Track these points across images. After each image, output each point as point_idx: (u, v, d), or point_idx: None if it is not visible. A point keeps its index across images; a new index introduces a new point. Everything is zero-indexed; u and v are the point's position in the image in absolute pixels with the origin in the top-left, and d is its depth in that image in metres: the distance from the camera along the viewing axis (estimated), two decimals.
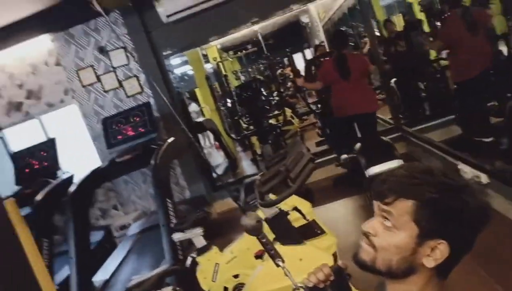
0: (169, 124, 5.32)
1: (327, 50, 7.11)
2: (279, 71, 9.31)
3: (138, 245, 4.47)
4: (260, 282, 2.09)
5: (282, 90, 8.43)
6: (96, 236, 5.35)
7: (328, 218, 3.99)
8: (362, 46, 7.08)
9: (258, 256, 2.25)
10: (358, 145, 3.52)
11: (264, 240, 0.96)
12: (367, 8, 5.32)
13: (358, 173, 3.47)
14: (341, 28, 7.61)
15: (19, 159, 5.23)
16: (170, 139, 4.74)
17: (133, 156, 4.52)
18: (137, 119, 4.81)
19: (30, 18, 5.01)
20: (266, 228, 1.87)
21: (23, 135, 5.75)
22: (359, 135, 4.45)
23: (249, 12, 5.09)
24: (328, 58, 4.97)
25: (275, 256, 0.97)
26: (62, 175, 5.17)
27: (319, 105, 5.90)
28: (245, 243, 2.65)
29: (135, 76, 5.39)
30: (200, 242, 2.73)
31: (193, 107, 9.08)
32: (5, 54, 5.37)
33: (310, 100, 6.88)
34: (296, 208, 2.49)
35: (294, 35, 12.35)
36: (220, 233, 4.27)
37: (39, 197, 4.33)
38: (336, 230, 3.72)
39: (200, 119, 6.60)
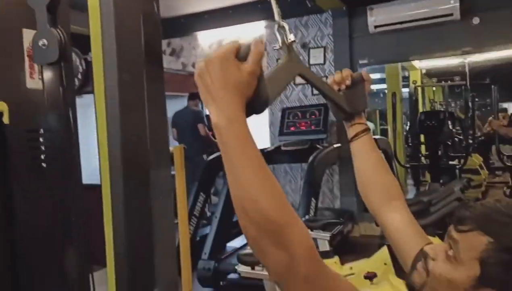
0: (342, 131, 5.32)
1: None
2: (490, 118, 8.19)
3: None
4: None
5: (479, 133, 7.56)
6: None
7: None
8: None
9: (368, 277, 2.12)
10: None
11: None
12: None
13: None
14: None
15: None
16: (336, 145, 4.77)
17: (298, 149, 4.70)
18: (313, 117, 4.97)
19: (252, 4, 5.60)
20: None
21: None
22: None
23: (462, 39, 4.69)
24: None
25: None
26: None
27: None
28: (367, 265, 2.53)
29: (326, 76, 5.53)
30: (324, 246, 2.72)
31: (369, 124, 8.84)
32: (225, 31, 6.13)
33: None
34: None
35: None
36: (352, 252, 4.13)
37: (211, 157, 4.94)
38: None
39: (376, 137, 6.41)
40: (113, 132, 1.27)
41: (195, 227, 4.51)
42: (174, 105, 6.16)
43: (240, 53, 0.68)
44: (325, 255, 2.66)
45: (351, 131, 1.11)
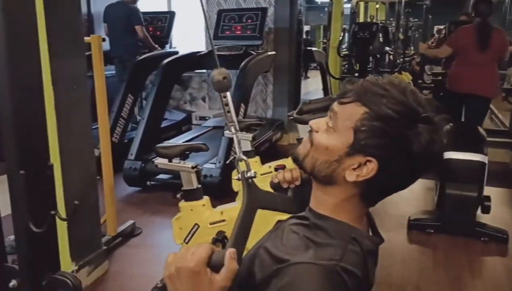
0: (278, 40, 5.25)
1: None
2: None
3: (206, 136, 4.68)
4: None
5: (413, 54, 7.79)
6: (177, 116, 5.75)
7: None
8: None
9: (278, 168, 2.22)
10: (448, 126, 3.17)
11: (225, 99, 0.91)
12: None
13: None
14: None
15: None
16: (271, 52, 4.71)
17: (232, 54, 4.58)
18: (249, 21, 4.79)
19: None
20: None
21: (150, 2, 6.08)
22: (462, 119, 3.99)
23: None
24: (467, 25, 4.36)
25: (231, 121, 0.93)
26: (168, 48, 5.45)
27: (439, 78, 5.33)
28: (286, 163, 2.63)
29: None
30: (246, 146, 2.76)
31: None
32: None
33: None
34: None
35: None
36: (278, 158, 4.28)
37: (141, 57, 4.71)
38: (389, 203, 3.55)
39: (313, 49, 6.41)
40: None
41: (122, 129, 4.41)
42: None
43: (212, 262, 0.68)
44: (248, 155, 2.73)
45: None
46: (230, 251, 0.68)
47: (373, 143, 0.73)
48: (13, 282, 1.06)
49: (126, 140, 4.41)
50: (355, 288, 0.71)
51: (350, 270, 0.70)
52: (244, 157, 0.87)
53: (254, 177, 0.87)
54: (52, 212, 0.95)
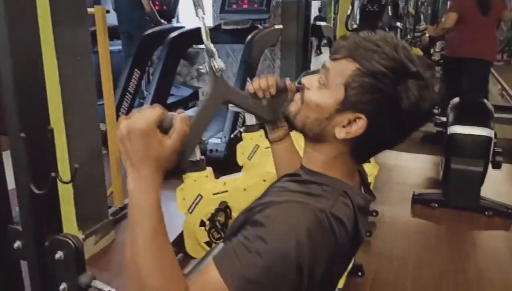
0: (286, 14, 5.18)
1: None
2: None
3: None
4: None
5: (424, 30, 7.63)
6: (184, 92, 5.75)
7: (395, 165, 3.83)
8: None
9: None
10: (455, 99, 3.14)
11: None
12: None
13: None
14: None
15: None
16: (278, 26, 4.65)
17: (239, 28, 4.54)
18: None
19: None
20: None
21: None
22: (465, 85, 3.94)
23: None
24: None
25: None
26: (175, 23, 5.42)
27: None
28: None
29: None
30: (251, 120, 2.77)
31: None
32: None
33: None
34: None
35: None
36: None
37: (148, 31, 4.68)
38: (394, 179, 3.56)
39: (322, 23, 6.32)
40: None
41: (129, 104, 4.44)
42: None
43: (163, 125, 0.69)
44: (252, 129, 2.74)
45: (273, 135, 1.10)
46: (180, 114, 0.70)
47: (363, 99, 0.73)
48: (17, 243, 1.09)
49: None
50: (342, 238, 0.71)
51: (340, 218, 0.71)
52: (212, 47, 0.86)
53: (222, 69, 0.86)
54: (53, 174, 0.98)
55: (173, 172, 0.74)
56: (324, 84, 0.77)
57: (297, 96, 0.84)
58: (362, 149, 0.79)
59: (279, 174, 1.10)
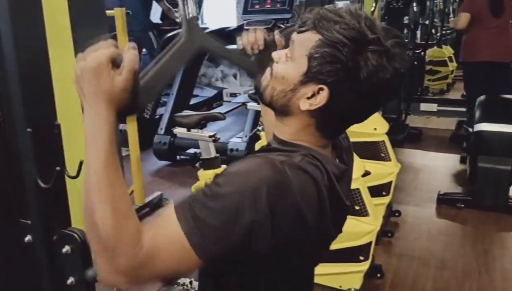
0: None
1: None
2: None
3: (235, 112, 4.73)
4: None
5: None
6: (209, 93, 5.81)
7: (422, 165, 3.76)
8: None
9: None
10: (481, 97, 3.03)
11: None
12: None
13: None
14: None
15: None
16: None
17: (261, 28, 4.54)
18: None
19: None
20: None
21: None
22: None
23: None
24: None
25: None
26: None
27: None
28: None
29: None
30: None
31: None
32: None
33: None
34: None
35: None
36: None
37: (170, 33, 4.74)
38: (420, 179, 3.48)
39: None
40: None
41: (154, 105, 4.51)
42: None
43: (116, 62, 0.69)
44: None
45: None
46: (129, 50, 0.69)
47: (324, 70, 0.73)
48: (28, 237, 1.12)
49: (157, 116, 4.51)
50: (312, 192, 0.72)
51: (305, 170, 0.71)
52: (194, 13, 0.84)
53: (197, 18, 0.84)
54: (58, 168, 1.00)
55: (129, 113, 0.75)
56: (291, 56, 0.78)
57: (268, 70, 0.84)
58: (328, 121, 0.78)
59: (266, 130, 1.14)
